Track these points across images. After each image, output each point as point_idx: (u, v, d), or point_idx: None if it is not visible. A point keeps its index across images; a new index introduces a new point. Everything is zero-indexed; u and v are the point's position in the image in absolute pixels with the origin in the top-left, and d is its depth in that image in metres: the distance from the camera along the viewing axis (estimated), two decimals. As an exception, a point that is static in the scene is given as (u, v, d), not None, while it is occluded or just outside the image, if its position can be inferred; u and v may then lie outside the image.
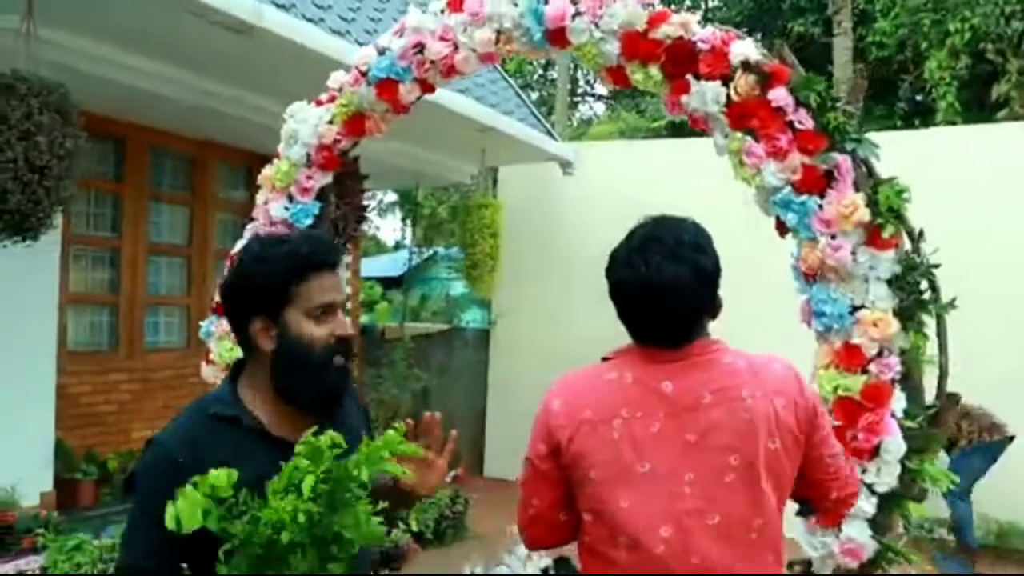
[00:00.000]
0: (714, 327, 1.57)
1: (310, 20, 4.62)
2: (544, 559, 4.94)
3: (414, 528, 5.89)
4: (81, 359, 5.40)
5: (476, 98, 6.22)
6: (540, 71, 17.66)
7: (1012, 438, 5.68)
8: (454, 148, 7.01)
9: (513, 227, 7.34)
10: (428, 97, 2.93)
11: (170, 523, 1.24)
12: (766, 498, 1.44)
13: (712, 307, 1.52)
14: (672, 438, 1.44)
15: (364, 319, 11.55)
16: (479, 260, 6.84)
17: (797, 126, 2.12)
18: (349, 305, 7.73)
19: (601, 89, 17.91)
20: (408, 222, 11.83)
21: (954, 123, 9.70)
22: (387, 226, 21.83)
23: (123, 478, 5.30)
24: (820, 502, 1.70)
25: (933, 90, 9.99)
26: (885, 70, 12.49)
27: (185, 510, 1.24)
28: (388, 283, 14.62)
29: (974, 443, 5.71)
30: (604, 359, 1.56)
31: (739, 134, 2.19)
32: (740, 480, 1.43)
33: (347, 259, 7.32)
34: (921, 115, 11.56)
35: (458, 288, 10.68)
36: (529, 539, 1.67)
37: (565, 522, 1.59)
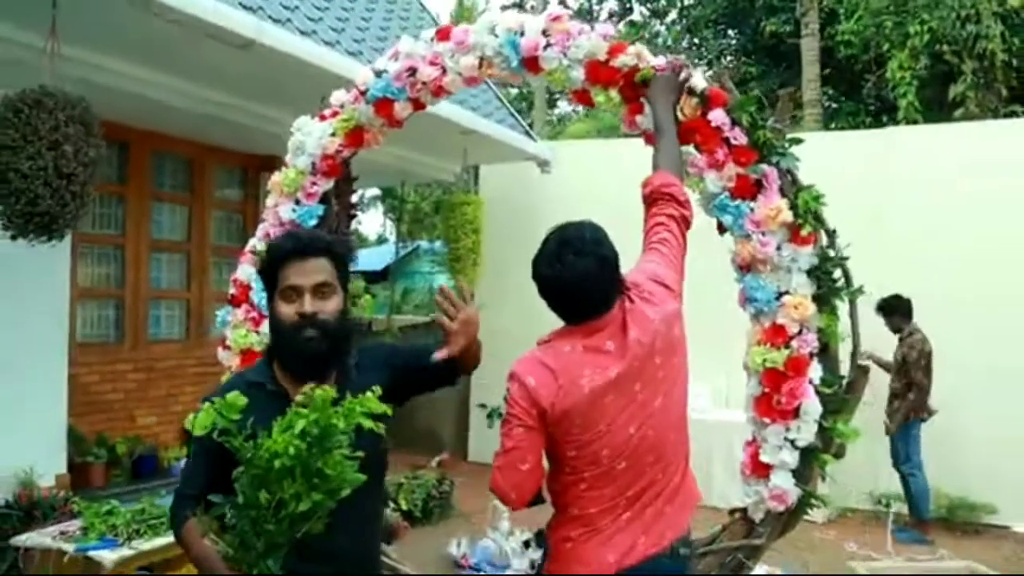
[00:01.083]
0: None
1: (303, 33, 4.95)
2: (525, 533, 5.33)
3: (404, 507, 6.22)
4: (90, 350, 5.69)
5: (459, 102, 6.56)
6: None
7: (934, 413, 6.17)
8: (438, 149, 7.35)
9: (494, 222, 7.62)
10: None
11: (187, 424, 1.58)
12: (682, 383, 2.02)
13: (620, 282, 1.98)
14: (623, 371, 1.91)
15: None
16: (462, 254, 7.18)
17: (732, 142, 2.52)
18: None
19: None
20: (391, 216, 12.07)
21: (916, 121, 10.12)
22: (369, 220, 22.04)
23: (131, 460, 5.65)
24: None
25: (895, 89, 10.40)
26: (852, 69, 12.93)
27: (201, 419, 1.55)
28: (371, 277, 14.86)
29: (911, 419, 6.12)
30: (540, 343, 2.00)
31: (685, 148, 2.59)
32: (666, 376, 1.95)
33: (345, 250, 7.62)
34: (886, 112, 12.02)
35: (441, 281, 11.01)
36: (521, 495, 1.95)
37: (541, 476, 1.98)
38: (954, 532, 6.40)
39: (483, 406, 8.18)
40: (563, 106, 19.68)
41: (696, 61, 16.28)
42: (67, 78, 3.77)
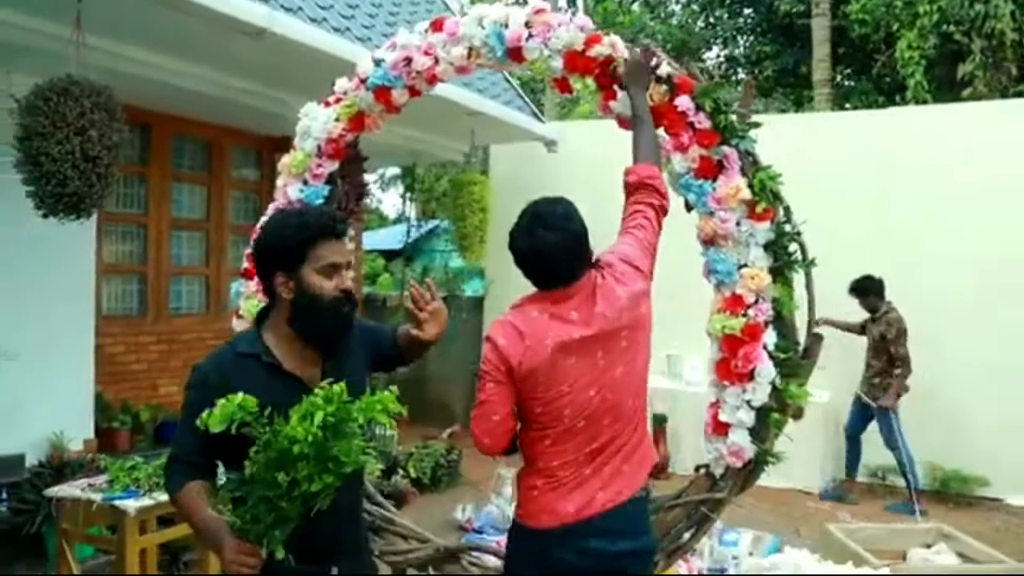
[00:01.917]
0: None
1: (313, 20, 5.15)
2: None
3: (413, 475, 6.48)
4: (115, 323, 5.97)
5: (465, 83, 6.76)
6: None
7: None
8: (447, 130, 7.52)
9: (504, 201, 7.76)
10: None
11: (202, 423, 1.64)
12: (643, 355, 2.23)
13: (587, 255, 2.20)
14: (586, 337, 2.13)
15: (367, 290, 12.14)
16: (469, 232, 7.39)
17: (697, 126, 2.72)
18: (352, 274, 8.29)
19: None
20: (412, 196, 12.25)
21: (925, 101, 10.17)
22: (389, 200, 22.22)
23: (154, 427, 5.95)
24: None
25: (903, 68, 10.43)
26: (864, 49, 12.93)
27: (216, 416, 1.63)
28: (390, 255, 15.02)
29: (901, 395, 6.29)
30: (513, 307, 2.21)
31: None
32: (629, 348, 2.17)
33: (350, 232, 7.87)
34: (897, 92, 12.05)
35: (458, 260, 11.24)
36: (493, 442, 2.17)
37: (513, 427, 2.20)
38: (946, 503, 6.57)
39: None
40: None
41: (711, 40, 16.33)
42: (92, 66, 3.96)
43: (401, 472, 6.43)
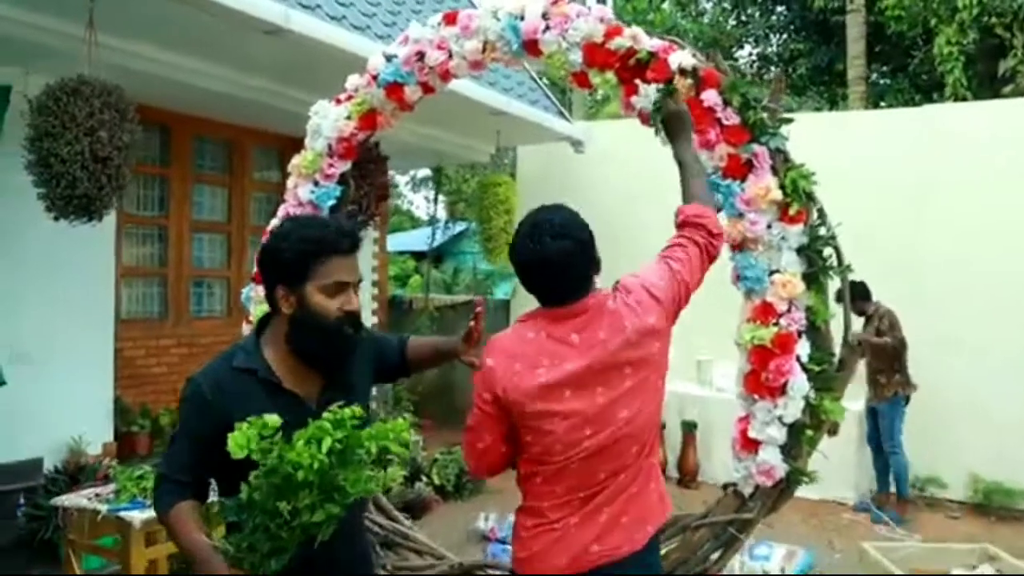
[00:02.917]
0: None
1: (333, 18, 5.06)
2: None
3: (436, 482, 6.38)
4: (135, 326, 5.92)
5: (491, 83, 6.65)
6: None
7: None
8: (472, 130, 7.42)
9: (531, 201, 7.65)
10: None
11: (230, 447, 1.53)
12: (655, 401, 1.99)
13: (594, 268, 1.99)
14: (583, 369, 1.91)
15: (398, 291, 12.09)
16: (494, 234, 7.27)
17: (724, 122, 2.56)
18: (376, 277, 8.24)
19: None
20: (437, 197, 12.20)
21: (964, 98, 9.86)
22: (420, 201, 22.14)
23: (173, 431, 5.87)
24: None
25: (941, 65, 10.12)
26: (901, 46, 12.60)
27: (238, 440, 1.53)
28: (421, 256, 14.98)
29: (899, 394, 6.08)
30: (520, 320, 2.02)
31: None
32: (635, 389, 1.93)
33: (374, 234, 7.80)
34: (935, 89, 11.73)
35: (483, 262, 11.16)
36: (478, 468, 2.06)
37: (506, 452, 2.01)
38: (988, 517, 6.34)
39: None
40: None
41: (743, 38, 16.06)
42: (108, 66, 3.90)
43: (424, 479, 6.33)
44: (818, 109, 12.77)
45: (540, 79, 8.06)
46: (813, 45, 14.60)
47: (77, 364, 5.14)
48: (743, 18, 16.21)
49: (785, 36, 15.88)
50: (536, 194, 7.96)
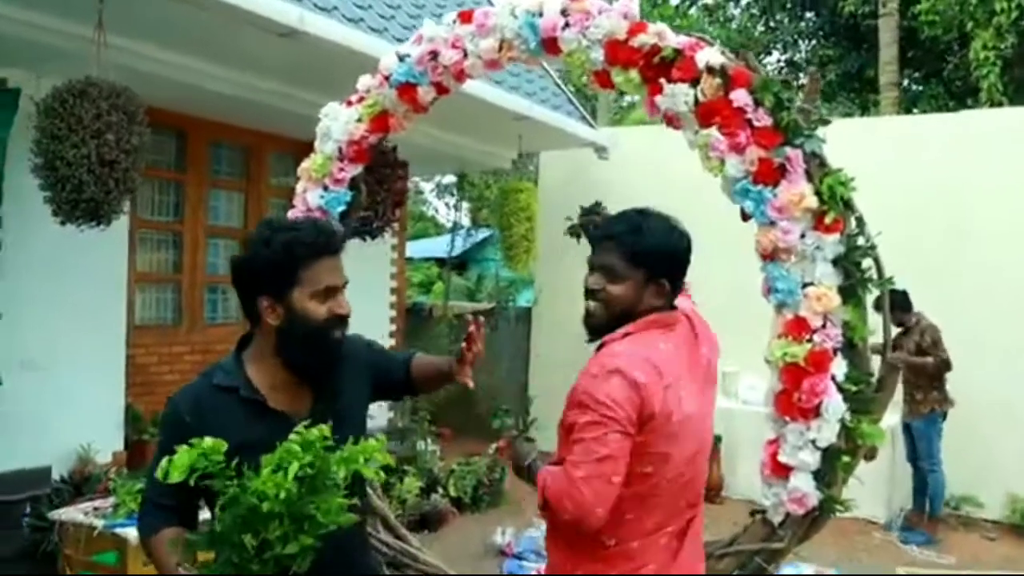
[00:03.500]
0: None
1: (350, 20, 4.95)
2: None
3: (453, 494, 6.25)
4: (148, 333, 5.82)
5: (513, 87, 6.51)
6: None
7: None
8: (494, 136, 7.29)
9: (554, 208, 7.47)
10: (462, 88, 3.19)
11: (159, 474, 1.41)
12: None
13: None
14: (700, 384, 1.81)
15: (420, 298, 11.97)
16: (515, 242, 7.14)
17: (755, 124, 2.39)
18: (395, 284, 8.13)
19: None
20: (461, 204, 12.12)
21: (1000, 104, 9.60)
22: (444, 208, 22.05)
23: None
24: None
25: (976, 70, 9.85)
26: (935, 51, 12.33)
27: (177, 465, 1.39)
28: (445, 263, 14.96)
29: (936, 411, 5.87)
30: (626, 334, 1.77)
31: (706, 131, 2.48)
32: (709, 405, 1.85)
33: (392, 241, 7.68)
34: (970, 95, 11.45)
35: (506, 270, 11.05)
36: (602, 517, 1.65)
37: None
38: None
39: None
40: (631, 93, 19.35)
41: (772, 44, 15.83)
42: (119, 68, 3.83)
43: (440, 490, 6.20)
44: (848, 115, 12.52)
45: (564, 84, 7.92)
46: (843, 51, 14.36)
47: (86, 371, 5.05)
48: (771, 24, 16.01)
49: (814, 42, 15.64)
50: (559, 201, 7.89)
